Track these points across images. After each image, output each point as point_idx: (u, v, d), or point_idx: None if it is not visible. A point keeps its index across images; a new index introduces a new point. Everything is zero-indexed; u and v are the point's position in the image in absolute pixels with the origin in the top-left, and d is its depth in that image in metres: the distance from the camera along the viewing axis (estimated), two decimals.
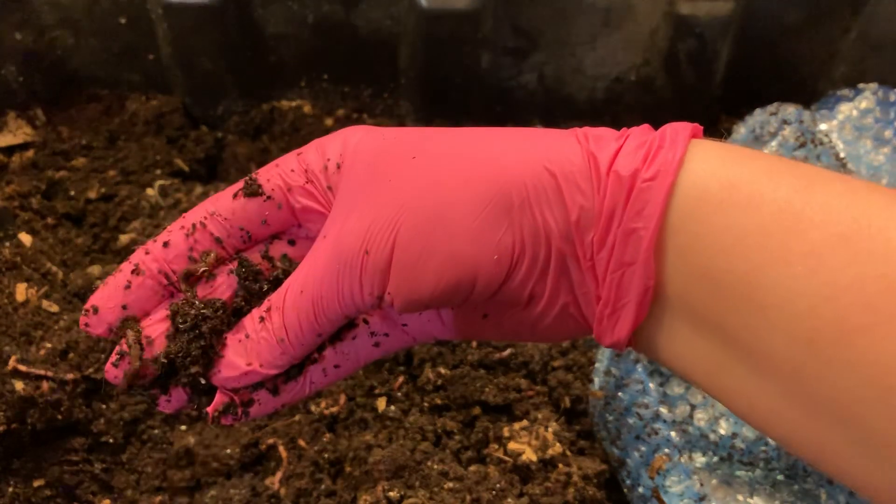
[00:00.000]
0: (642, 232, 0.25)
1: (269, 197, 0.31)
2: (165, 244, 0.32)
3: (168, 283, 0.32)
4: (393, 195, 0.28)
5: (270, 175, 0.32)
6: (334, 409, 0.54)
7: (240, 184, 0.32)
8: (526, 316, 0.30)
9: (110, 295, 0.32)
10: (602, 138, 0.27)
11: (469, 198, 0.27)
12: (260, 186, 0.31)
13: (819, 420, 0.23)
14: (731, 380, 0.26)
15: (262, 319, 0.30)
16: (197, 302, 0.31)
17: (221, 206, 0.32)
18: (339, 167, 0.30)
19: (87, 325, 0.32)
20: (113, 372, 0.32)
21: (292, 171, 0.31)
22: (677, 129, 0.26)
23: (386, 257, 0.27)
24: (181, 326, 0.31)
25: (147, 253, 0.32)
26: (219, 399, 0.31)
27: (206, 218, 0.32)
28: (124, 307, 0.32)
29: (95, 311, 0.32)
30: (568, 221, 0.26)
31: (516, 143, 0.28)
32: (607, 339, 0.28)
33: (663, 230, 0.25)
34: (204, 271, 0.32)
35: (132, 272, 0.32)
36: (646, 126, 0.27)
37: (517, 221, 0.27)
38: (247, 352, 0.30)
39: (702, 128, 0.28)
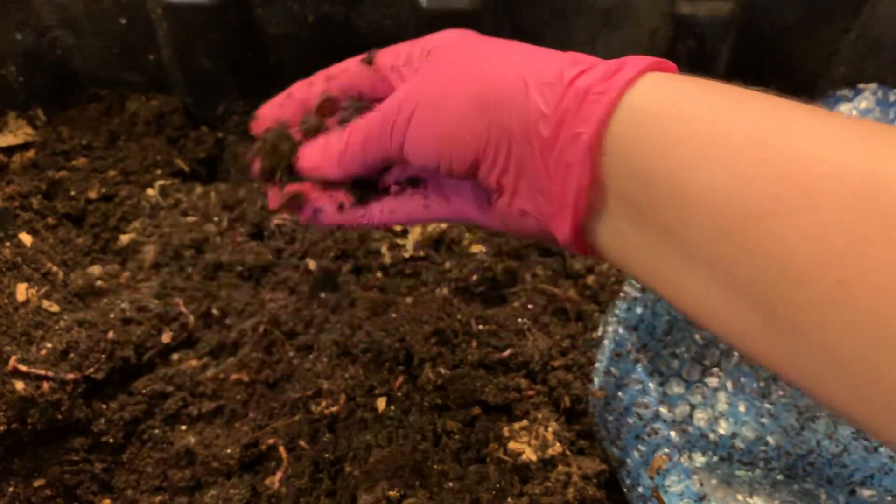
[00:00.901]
0: (582, 138, 0.29)
1: (377, 70, 0.43)
2: (310, 84, 0.45)
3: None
4: (423, 82, 0.37)
5: (386, 54, 0.42)
6: (334, 409, 0.54)
7: (365, 54, 0.44)
8: (498, 208, 0.36)
9: (269, 109, 0.45)
10: (579, 62, 0.31)
11: (461, 94, 0.34)
12: (374, 59, 0.43)
13: (737, 303, 0.26)
14: (667, 271, 0.29)
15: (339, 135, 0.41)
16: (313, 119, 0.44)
17: (350, 67, 0.44)
18: (429, 53, 0.39)
19: (250, 127, 0.45)
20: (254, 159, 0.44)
21: (400, 54, 0.41)
22: (639, 59, 0.30)
23: (406, 122, 0.37)
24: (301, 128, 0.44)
25: (296, 87, 0.45)
26: (291, 188, 0.43)
27: (339, 72, 0.44)
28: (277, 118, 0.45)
29: (257, 118, 0.45)
30: (528, 122, 0.31)
31: (514, 56, 0.34)
32: (559, 236, 0.32)
33: (606, 136, 0.29)
34: (326, 99, 0.44)
35: (286, 96, 0.45)
36: (637, 57, 0.31)
37: (488, 117, 0.33)
38: (321, 152, 0.42)
39: (674, 65, 0.31)
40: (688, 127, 0.26)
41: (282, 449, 0.53)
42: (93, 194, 0.69)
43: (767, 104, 0.26)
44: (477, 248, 0.67)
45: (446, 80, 0.35)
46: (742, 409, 0.58)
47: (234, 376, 0.57)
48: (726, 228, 0.25)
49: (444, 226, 0.68)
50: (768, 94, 0.27)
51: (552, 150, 0.30)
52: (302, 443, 0.53)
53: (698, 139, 0.26)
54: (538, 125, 0.30)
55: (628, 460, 0.52)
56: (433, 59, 0.38)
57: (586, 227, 0.32)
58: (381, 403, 0.54)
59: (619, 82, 0.29)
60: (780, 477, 0.57)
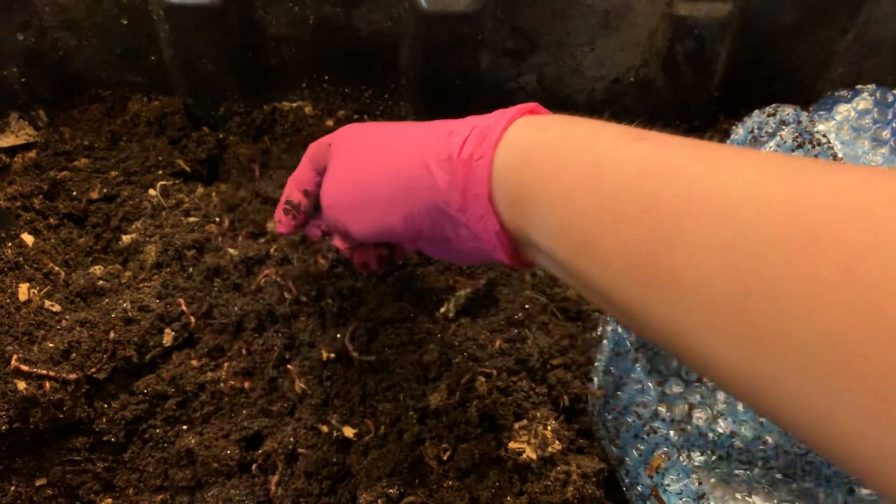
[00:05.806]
0: (481, 196, 0.37)
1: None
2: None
3: None
4: (343, 182, 0.45)
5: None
6: (334, 410, 0.55)
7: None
8: (452, 248, 0.43)
9: None
10: (457, 132, 0.39)
11: (383, 182, 0.42)
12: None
13: (582, 290, 0.35)
14: (546, 265, 0.38)
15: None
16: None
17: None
18: (328, 146, 0.49)
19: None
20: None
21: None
22: (501, 117, 0.37)
23: (341, 219, 0.46)
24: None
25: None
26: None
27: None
28: None
29: None
30: (440, 193, 0.39)
31: (415, 141, 0.41)
32: (504, 261, 0.39)
33: (493, 187, 0.37)
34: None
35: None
36: (502, 113, 0.38)
37: (410, 198, 0.40)
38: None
39: (533, 105, 0.39)
40: (542, 167, 0.34)
41: (276, 455, 0.53)
42: (94, 195, 0.69)
43: (601, 135, 0.33)
44: None
45: (365, 177, 0.43)
46: (741, 407, 0.58)
47: (234, 377, 0.57)
48: (567, 243, 0.33)
49: None
50: (609, 127, 0.34)
51: (466, 209, 0.38)
52: (301, 444, 0.53)
53: (544, 173, 0.34)
54: (450, 195, 0.38)
55: (627, 459, 0.53)
56: (339, 157, 0.46)
57: (520, 251, 0.39)
58: (382, 406, 0.54)
59: (489, 147, 0.37)
60: (778, 476, 0.57)
